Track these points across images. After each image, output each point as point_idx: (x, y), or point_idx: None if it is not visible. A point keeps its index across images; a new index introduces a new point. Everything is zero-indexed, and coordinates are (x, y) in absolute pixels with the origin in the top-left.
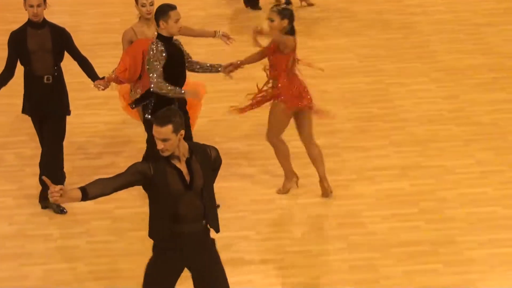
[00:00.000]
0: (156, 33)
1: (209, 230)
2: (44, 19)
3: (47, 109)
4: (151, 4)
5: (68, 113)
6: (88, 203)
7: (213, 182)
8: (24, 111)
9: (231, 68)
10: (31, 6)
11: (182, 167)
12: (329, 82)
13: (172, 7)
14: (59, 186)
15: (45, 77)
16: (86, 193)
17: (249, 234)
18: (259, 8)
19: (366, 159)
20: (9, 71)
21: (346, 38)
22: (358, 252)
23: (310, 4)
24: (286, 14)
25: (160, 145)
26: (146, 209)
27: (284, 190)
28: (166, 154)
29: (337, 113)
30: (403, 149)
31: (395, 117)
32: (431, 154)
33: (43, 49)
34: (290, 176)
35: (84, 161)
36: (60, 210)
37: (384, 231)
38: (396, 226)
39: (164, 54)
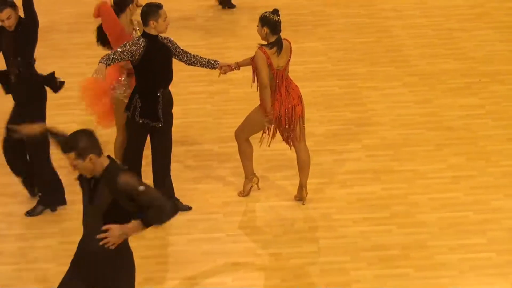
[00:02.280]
0: (135, 31)
1: (114, 250)
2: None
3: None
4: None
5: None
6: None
7: (128, 212)
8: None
9: (227, 68)
10: (2, 20)
11: (92, 182)
12: (302, 85)
13: (160, 6)
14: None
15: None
16: None
17: (220, 236)
18: (233, 6)
19: (338, 163)
20: None
21: (320, 42)
22: (329, 256)
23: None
24: (266, 21)
25: (73, 170)
26: None
27: (244, 192)
28: (86, 175)
29: (310, 116)
30: (375, 153)
31: (368, 121)
32: (403, 158)
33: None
34: (250, 177)
35: (58, 161)
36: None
37: (356, 235)
38: (367, 230)
39: (138, 52)
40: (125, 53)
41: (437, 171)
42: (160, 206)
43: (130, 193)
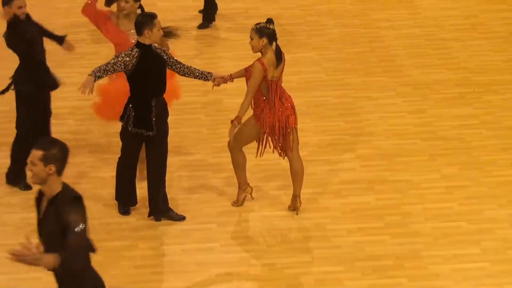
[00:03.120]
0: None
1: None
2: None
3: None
4: (127, 2)
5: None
6: None
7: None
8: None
9: (220, 80)
10: (20, 7)
11: (43, 205)
12: (296, 95)
13: (154, 16)
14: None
15: None
16: None
17: (214, 246)
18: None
19: (332, 173)
20: None
21: (314, 52)
22: (323, 266)
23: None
24: (263, 32)
25: (28, 167)
26: (112, 220)
27: (238, 202)
28: (33, 180)
29: (304, 126)
30: (369, 163)
31: (362, 130)
32: (397, 168)
33: None
34: (244, 187)
35: None
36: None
37: (350, 245)
38: (361, 240)
39: (132, 63)
40: (118, 64)
41: (431, 181)
42: (74, 256)
43: (65, 225)
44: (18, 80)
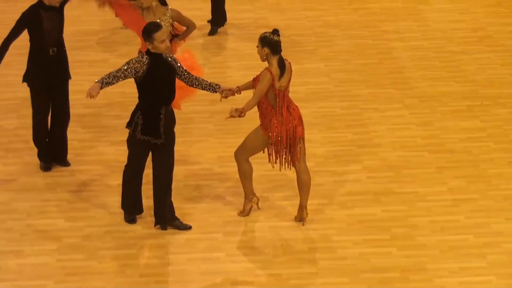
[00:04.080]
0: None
1: None
2: None
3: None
4: None
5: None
6: (59, 221)
7: None
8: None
9: (228, 92)
10: None
11: None
12: (304, 106)
13: (156, 29)
14: None
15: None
16: None
17: (220, 256)
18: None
19: (338, 184)
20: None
21: (322, 63)
22: (328, 277)
23: None
24: (266, 42)
25: None
26: (118, 228)
27: (244, 212)
28: None
29: (311, 137)
30: (375, 174)
31: (369, 142)
32: (403, 180)
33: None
34: (250, 197)
35: (57, 178)
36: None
37: (355, 256)
38: (367, 251)
39: (142, 69)
40: (129, 71)
41: (437, 193)
42: None
43: None
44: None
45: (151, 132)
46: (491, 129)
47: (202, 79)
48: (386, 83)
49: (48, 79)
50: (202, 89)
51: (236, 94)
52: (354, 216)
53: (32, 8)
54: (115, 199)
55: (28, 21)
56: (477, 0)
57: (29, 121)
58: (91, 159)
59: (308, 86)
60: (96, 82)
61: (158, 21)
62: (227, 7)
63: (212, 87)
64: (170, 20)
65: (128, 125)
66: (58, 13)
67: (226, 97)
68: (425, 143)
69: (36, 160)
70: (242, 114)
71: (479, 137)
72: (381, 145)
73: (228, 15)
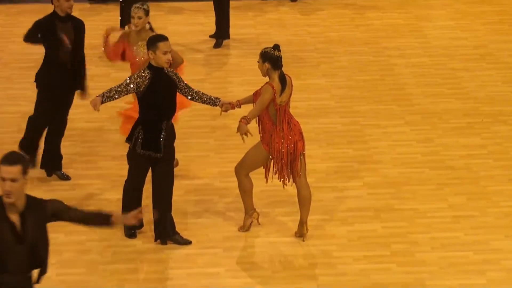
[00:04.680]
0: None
1: (31, 282)
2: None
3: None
4: (139, 18)
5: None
6: (60, 235)
7: (46, 233)
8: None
9: (228, 106)
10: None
11: (16, 219)
12: (305, 122)
13: (161, 39)
14: None
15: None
16: None
17: (220, 271)
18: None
19: (339, 200)
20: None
21: (323, 78)
22: None
23: None
24: (267, 57)
25: (6, 187)
26: (118, 242)
27: (245, 227)
28: (10, 199)
29: (312, 153)
30: (376, 191)
31: (370, 158)
32: (404, 197)
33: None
34: (251, 212)
35: (58, 192)
36: (66, 177)
37: (355, 272)
38: (367, 267)
39: (144, 84)
40: (132, 85)
41: (438, 210)
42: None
43: (61, 215)
44: None
45: (151, 147)
46: (492, 146)
47: (203, 93)
48: (387, 100)
49: (59, 87)
50: (203, 103)
51: (236, 108)
52: (354, 232)
53: (47, 16)
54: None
55: (42, 28)
56: (479, 17)
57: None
58: (91, 173)
59: (309, 102)
60: (98, 96)
61: (140, 44)
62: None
63: (212, 101)
64: None
65: (128, 139)
66: (73, 25)
67: (226, 110)
68: (426, 160)
69: (37, 173)
70: (249, 121)
71: (479, 154)
72: (381, 161)
73: (230, 30)
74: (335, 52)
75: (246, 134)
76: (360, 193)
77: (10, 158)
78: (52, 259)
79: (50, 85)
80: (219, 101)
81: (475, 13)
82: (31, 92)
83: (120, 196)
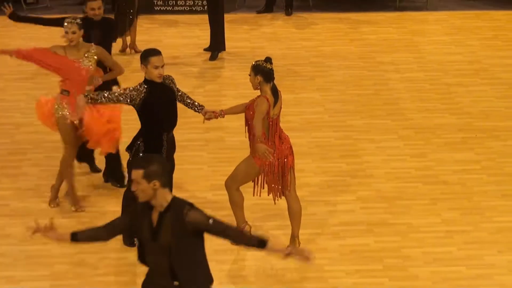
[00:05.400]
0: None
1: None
2: None
3: None
4: (74, 32)
5: None
6: (53, 246)
7: (197, 245)
8: None
9: (212, 114)
10: (93, 9)
11: (155, 217)
12: (298, 136)
13: (154, 53)
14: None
15: None
16: (76, 237)
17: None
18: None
19: (332, 214)
20: None
21: (317, 92)
22: None
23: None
24: (259, 70)
25: (133, 187)
26: (109, 255)
27: None
28: (140, 199)
29: (305, 166)
30: (369, 205)
31: (363, 173)
32: (397, 211)
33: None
34: (242, 225)
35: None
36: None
37: (348, 286)
38: (359, 282)
39: (139, 97)
40: (124, 96)
41: (431, 225)
42: (235, 230)
43: (199, 227)
44: None
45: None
46: (485, 162)
47: (187, 96)
48: (381, 114)
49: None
50: (185, 105)
51: (219, 117)
52: (346, 246)
53: (83, 17)
54: None
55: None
56: (474, 33)
57: (22, 146)
58: (86, 184)
59: (303, 115)
60: (86, 95)
61: (86, 56)
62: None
63: (195, 106)
64: (95, 57)
65: (128, 148)
66: (103, 31)
67: (209, 119)
68: (419, 175)
69: (29, 185)
70: (262, 139)
71: (473, 169)
72: (375, 175)
73: (225, 43)
74: (329, 66)
75: (267, 153)
76: (353, 207)
77: (137, 161)
78: (45, 271)
79: None
80: (202, 108)
81: (469, 29)
82: (25, 104)
83: (115, 208)
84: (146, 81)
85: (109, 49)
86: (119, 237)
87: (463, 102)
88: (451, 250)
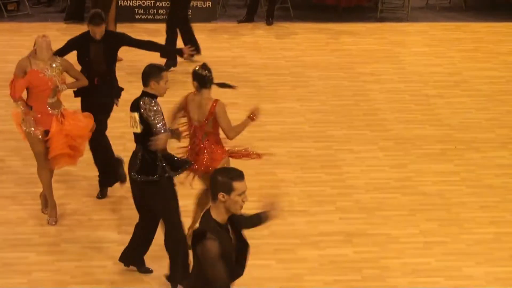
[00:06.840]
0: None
1: None
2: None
3: None
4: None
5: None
6: (30, 254)
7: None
8: None
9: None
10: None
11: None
12: (278, 145)
13: (163, 69)
14: None
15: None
16: None
17: None
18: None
19: (311, 224)
20: None
21: (298, 103)
22: None
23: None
24: (195, 76)
25: (242, 201)
26: (87, 263)
27: None
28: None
29: (285, 176)
30: (348, 215)
31: (342, 183)
32: (376, 222)
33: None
34: None
35: (30, 211)
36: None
37: None
38: None
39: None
40: (158, 116)
41: (409, 236)
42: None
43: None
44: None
45: (175, 167)
46: (464, 173)
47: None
48: (361, 125)
49: (91, 104)
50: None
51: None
52: (326, 256)
53: (81, 34)
54: (87, 234)
55: (76, 44)
56: (454, 45)
57: (7, 153)
58: (64, 193)
59: (283, 125)
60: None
61: (53, 66)
62: (204, 44)
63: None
64: (61, 68)
65: (141, 173)
66: (104, 45)
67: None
68: (399, 186)
69: (9, 193)
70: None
71: (452, 181)
72: (354, 186)
73: (205, 53)
74: (310, 76)
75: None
76: (332, 217)
77: (239, 172)
78: (22, 279)
79: (84, 102)
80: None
81: (450, 40)
82: (4, 111)
83: (93, 217)
84: (147, 94)
85: (112, 60)
86: (97, 245)
87: (443, 114)
88: (430, 261)
